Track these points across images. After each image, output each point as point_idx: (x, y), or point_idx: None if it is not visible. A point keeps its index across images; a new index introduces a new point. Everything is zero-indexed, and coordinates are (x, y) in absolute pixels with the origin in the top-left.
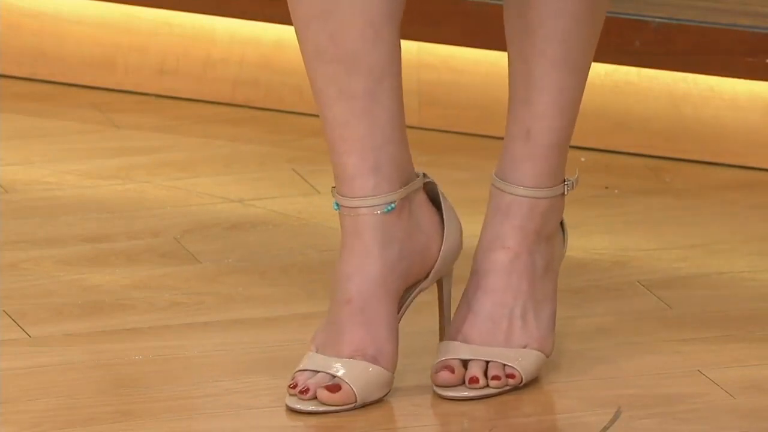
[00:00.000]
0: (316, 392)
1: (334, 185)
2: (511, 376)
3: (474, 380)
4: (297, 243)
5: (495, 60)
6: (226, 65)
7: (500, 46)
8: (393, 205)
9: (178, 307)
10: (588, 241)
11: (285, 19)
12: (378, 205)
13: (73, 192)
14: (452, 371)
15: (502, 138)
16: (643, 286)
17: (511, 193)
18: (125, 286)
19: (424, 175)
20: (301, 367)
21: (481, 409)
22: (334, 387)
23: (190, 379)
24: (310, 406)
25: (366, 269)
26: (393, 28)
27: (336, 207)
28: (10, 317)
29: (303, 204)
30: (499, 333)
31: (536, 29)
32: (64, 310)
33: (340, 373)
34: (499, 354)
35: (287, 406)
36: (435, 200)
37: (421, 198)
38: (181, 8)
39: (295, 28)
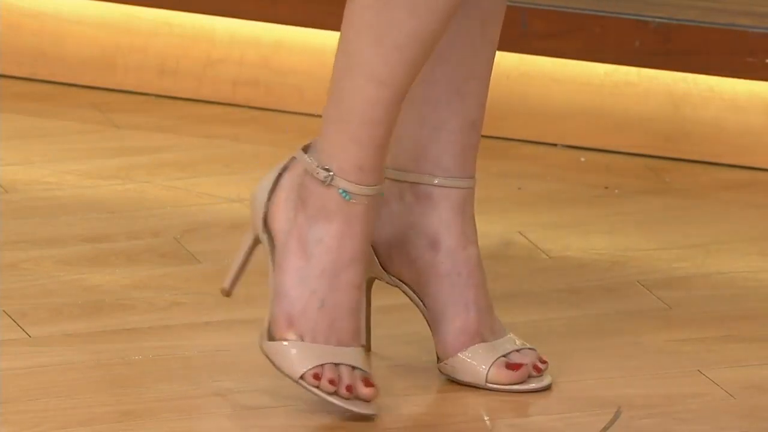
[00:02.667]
0: (356, 389)
1: (331, 173)
2: (543, 361)
3: (537, 368)
4: None
5: (495, 60)
6: (226, 65)
7: (500, 46)
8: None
9: (178, 307)
10: (588, 241)
11: (285, 19)
12: (381, 191)
13: (73, 192)
14: (518, 368)
15: (501, 138)
16: (643, 286)
17: (461, 187)
18: (125, 286)
19: None
20: (328, 360)
21: (481, 408)
22: (371, 382)
23: (190, 379)
24: (371, 409)
25: (367, 253)
26: None
27: (347, 197)
28: (10, 317)
29: None
30: (497, 323)
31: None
32: (64, 310)
33: (366, 366)
34: (520, 341)
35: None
36: None
37: None
38: (181, 8)
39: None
